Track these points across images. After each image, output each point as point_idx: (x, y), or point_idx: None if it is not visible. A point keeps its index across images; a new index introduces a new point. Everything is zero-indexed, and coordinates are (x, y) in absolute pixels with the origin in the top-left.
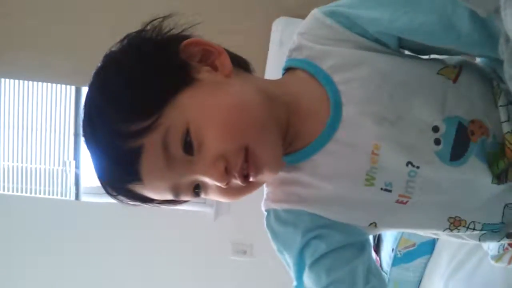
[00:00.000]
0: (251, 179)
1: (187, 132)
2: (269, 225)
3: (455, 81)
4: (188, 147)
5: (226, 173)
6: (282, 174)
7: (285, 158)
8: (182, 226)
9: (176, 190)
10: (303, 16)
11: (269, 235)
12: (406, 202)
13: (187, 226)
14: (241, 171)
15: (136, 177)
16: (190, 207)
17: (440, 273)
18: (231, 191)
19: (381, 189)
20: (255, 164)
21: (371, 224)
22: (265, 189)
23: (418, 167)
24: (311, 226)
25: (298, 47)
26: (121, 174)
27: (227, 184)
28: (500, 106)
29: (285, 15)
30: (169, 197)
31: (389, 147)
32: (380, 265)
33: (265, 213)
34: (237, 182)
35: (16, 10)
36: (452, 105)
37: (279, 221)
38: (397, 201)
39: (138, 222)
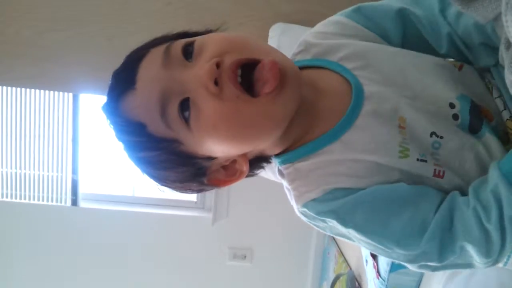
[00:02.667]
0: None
1: (192, 43)
2: (318, 214)
3: (460, 69)
4: (188, 53)
5: (216, 69)
6: (305, 164)
7: (305, 147)
8: (180, 231)
9: (165, 98)
10: (300, 22)
11: (319, 224)
12: (443, 174)
13: (185, 231)
14: (234, 70)
15: (131, 81)
16: (188, 212)
17: (437, 280)
18: (226, 105)
19: (417, 159)
20: (261, 65)
21: None
22: (290, 189)
23: (441, 137)
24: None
25: (305, 48)
26: (118, 81)
27: (216, 84)
28: (495, 98)
29: (282, 21)
30: (157, 110)
31: (414, 118)
32: (378, 271)
33: (303, 210)
34: (230, 89)
35: (13, 19)
36: (462, 87)
37: (326, 202)
38: (435, 174)
39: (136, 228)
